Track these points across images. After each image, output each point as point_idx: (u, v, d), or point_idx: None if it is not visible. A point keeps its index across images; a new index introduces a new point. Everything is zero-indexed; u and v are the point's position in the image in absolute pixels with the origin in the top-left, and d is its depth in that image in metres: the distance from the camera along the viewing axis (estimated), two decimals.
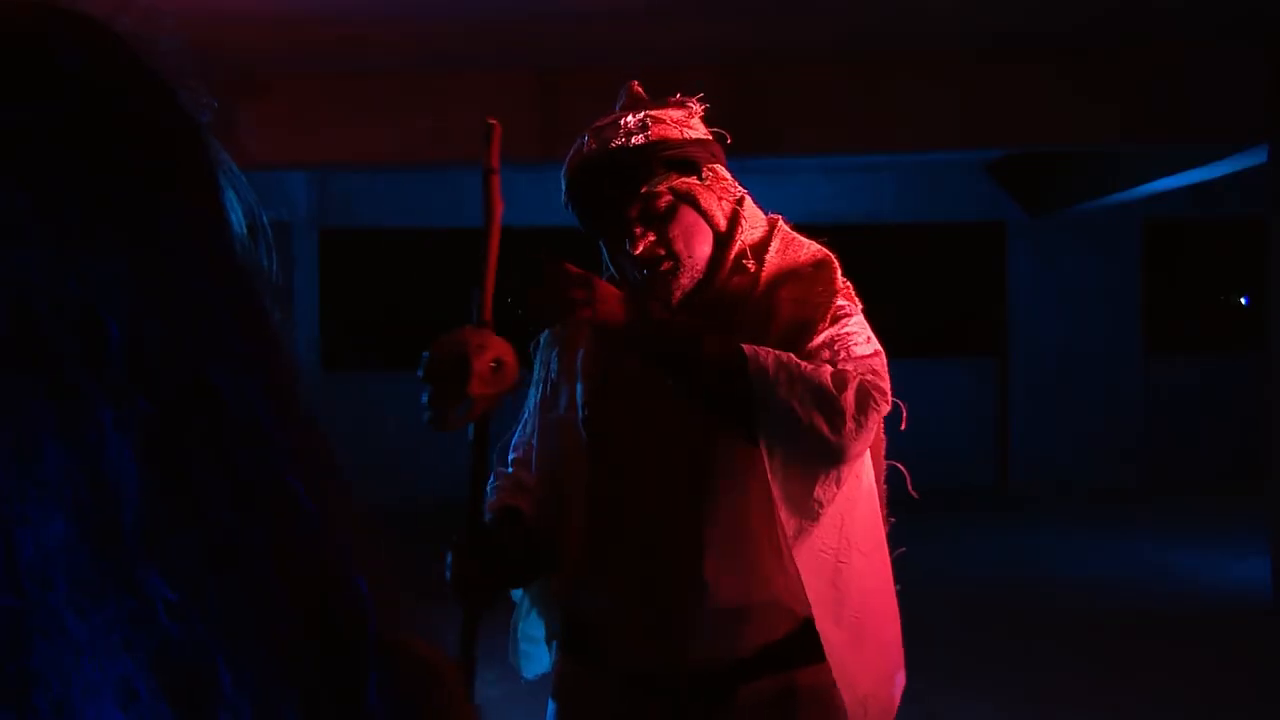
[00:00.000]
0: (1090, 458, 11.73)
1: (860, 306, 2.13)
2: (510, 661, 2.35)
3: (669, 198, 2.09)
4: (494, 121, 2.15)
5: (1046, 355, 11.87)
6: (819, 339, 2.04)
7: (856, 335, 2.06)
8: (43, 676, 0.46)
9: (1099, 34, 6.93)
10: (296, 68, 7.15)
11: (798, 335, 2.05)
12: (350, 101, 7.48)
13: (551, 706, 2.26)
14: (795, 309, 2.09)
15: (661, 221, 2.09)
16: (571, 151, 2.16)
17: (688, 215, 2.10)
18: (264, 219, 0.61)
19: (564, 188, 2.16)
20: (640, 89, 2.24)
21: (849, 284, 2.15)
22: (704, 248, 2.12)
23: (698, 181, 2.12)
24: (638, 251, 2.08)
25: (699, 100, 2.21)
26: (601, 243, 2.20)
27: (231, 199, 0.58)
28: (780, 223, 2.21)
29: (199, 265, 0.54)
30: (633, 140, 2.09)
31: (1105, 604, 7.39)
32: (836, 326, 2.06)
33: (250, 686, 0.49)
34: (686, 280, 2.12)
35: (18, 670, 0.46)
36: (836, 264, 2.16)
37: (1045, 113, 7.42)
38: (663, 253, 2.09)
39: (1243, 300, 12.78)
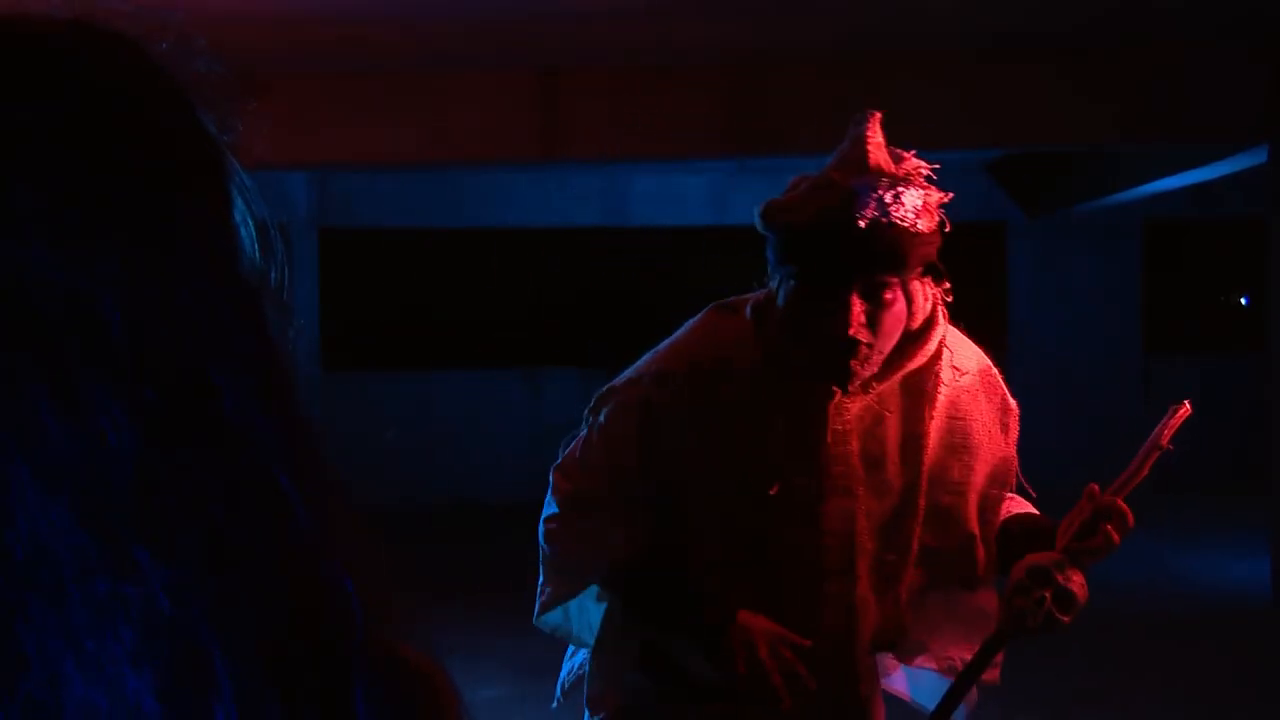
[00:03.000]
0: (1090, 458, 11.72)
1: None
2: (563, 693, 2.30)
3: (898, 290, 1.99)
4: (1188, 405, 2.08)
5: (1046, 355, 11.87)
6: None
7: None
8: (33, 655, 0.47)
9: (1099, 34, 6.93)
10: (297, 68, 7.15)
11: (1005, 473, 2.19)
12: (350, 102, 7.48)
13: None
14: (993, 447, 2.16)
15: (877, 307, 1.97)
16: (828, 190, 1.97)
17: (899, 307, 2.00)
18: (278, 236, 0.62)
19: (796, 220, 1.98)
20: (881, 127, 2.05)
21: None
22: (894, 341, 2.03)
23: (927, 283, 2.05)
24: (850, 331, 1.95)
25: (926, 176, 2.05)
26: (789, 283, 2.03)
27: (243, 210, 0.59)
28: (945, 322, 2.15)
29: (201, 267, 0.55)
30: (905, 224, 1.93)
31: (1106, 604, 7.36)
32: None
33: (237, 681, 0.49)
34: (868, 371, 2.02)
35: (6, 646, 0.46)
36: (997, 372, 2.19)
37: (1045, 113, 7.43)
38: (866, 337, 1.98)
39: (1243, 300, 12.78)
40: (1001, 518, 2.15)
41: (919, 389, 2.10)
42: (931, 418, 2.09)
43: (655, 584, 2.10)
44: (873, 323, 1.97)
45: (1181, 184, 9.36)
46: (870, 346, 1.98)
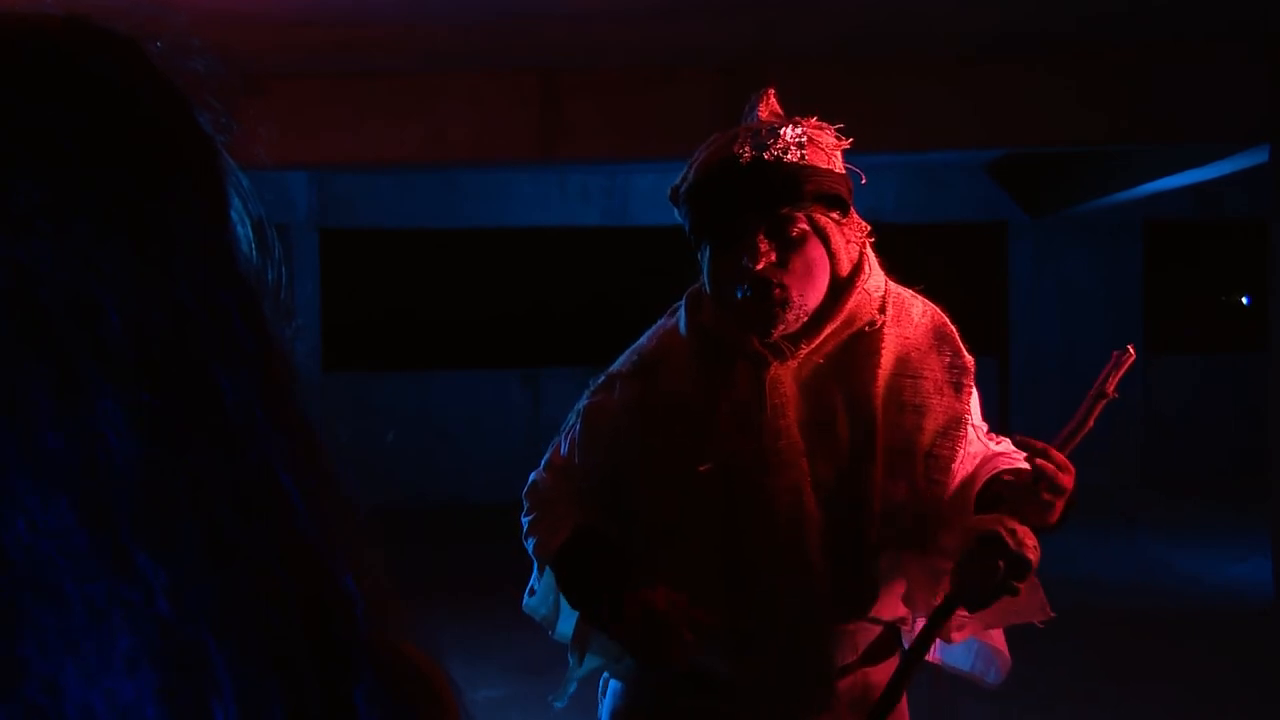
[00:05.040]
0: (1090, 458, 11.71)
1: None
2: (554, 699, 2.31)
3: (805, 226, 1.99)
4: (1131, 349, 1.97)
5: (1046, 355, 11.87)
6: (983, 436, 2.16)
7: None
8: (32, 658, 0.46)
9: (1099, 34, 6.93)
10: (296, 68, 7.16)
11: (955, 432, 2.09)
12: (350, 102, 7.48)
13: (617, 702, 2.22)
14: (943, 404, 2.08)
15: (787, 247, 1.98)
16: (711, 146, 2.05)
17: (815, 250, 2.00)
18: (273, 234, 0.62)
19: (689, 181, 2.05)
20: (776, 100, 2.14)
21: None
22: (818, 290, 2.02)
23: (836, 219, 2.02)
24: (758, 267, 1.96)
25: (838, 132, 2.09)
26: (705, 251, 2.06)
27: (240, 209, 0.60)
28: (888, 280, 2.14)
29: (201, 266, 0.55)
30: (788, 156, 1.97)
31: (1105, 604, 7.39)
32: (975, 412, 2.15)
33: (239, 681, 0.49)
34: (791, 318, 2.01)
35: (4, 650, 0.46)
36: (953, 328, 2.15)
37: (1045, 113, 7.43)
38: (778, 279, 1.98)
39: (1244, 300, 12.79)
40: (997, 470, 2.09)
41: (864, 349, 2.07)
42: (879, 377, 2.05)
43: (579, 565, 2.12)
44: (784, 262, 1.98)
45: (1182, 183, 9.36)
46: (787, 289, 1.99)
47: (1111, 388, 2.01)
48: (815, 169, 1.98)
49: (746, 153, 1.98)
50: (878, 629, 2.15)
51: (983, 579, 1.93)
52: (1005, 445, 2.20)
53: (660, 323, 2.24)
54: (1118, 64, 7.28)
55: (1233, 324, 12.59)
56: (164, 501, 0.50)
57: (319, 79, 7.38)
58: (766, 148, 1.98)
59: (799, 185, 1.97)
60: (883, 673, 2.17)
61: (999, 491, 2.00)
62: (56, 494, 0.48)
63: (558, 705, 2.26)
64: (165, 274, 0.53)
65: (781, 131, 1.99)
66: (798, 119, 2.06)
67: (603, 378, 2.20)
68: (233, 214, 0.59)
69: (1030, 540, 1.94)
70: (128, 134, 0.54)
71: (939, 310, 2.17)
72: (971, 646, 2.25)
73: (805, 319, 2.03)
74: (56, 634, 0.47)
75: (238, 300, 0.56)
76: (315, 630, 0.53)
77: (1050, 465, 1.95)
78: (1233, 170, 8.49)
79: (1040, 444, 1.98)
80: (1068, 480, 1.97)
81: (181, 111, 0.58)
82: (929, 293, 2.22)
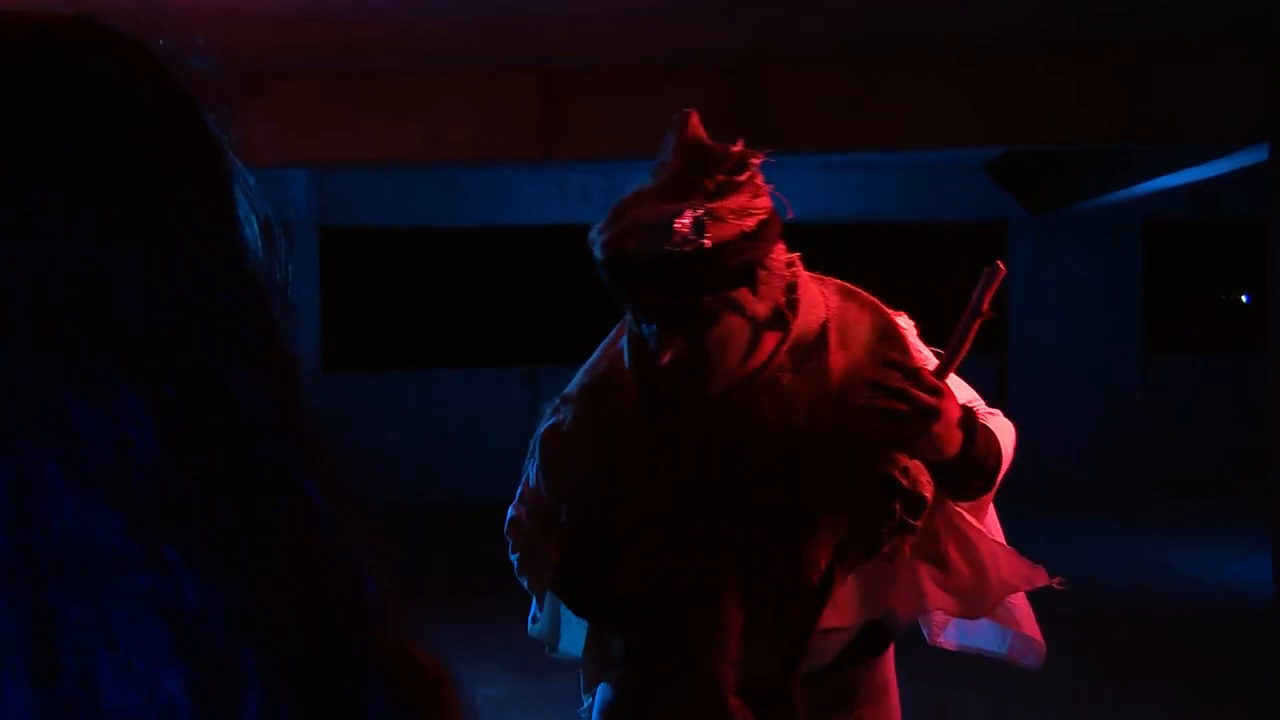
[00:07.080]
0: (1090, 458, 11.73)
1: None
2: (541, 634, 2.34)
3: (713, 306, 1.88)
4: (1001, 264, 1.90)
5: (1046, 355, 11.87)
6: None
7: None
8: (68, 653, 0.47)
9: (1099, 34, 6.93)
10: (297, 68, 7.16)
11: None
12: (350, 102, 7.48)
13: (608, 700, 2.23)
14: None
15: (699, 327, 1.90)
16: (610, 232, 1.89)
17: (729, 321, 1.91)
18: (280, 234, 0.62)
19: (598, 256, 1.93)
20: (699, 124, 1.93)
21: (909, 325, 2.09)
22: (739, 349, 1.94)
23: (749, 290, 1.90)
24: (664, 360, 1.90)
25: (756, 159, 1.91)
26: (630, 316, 2.02)
27: (246, 210, 0.60)
28: (823, 288, 2.04)
29: (204, 267, 0.55)
30: (686, 247, 1.82)
31: (1105, 603, 7.39)
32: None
33: (262, 676, 0.50)
34: (718, 379, 1.95)
35: (41, 645, 0.47)
36: (902, 328, 2.06)
37: (1045, 112, 7.43)
38: (687, 356, 1.91)
39: (1244, 299, 12.79)
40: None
41: (812, 366, 1.99)
42: (830, 388, 1.98)
43: (577, 578, 2.13)
44: (698, 339, 1.90)
45: (1182, 183, 9.36)
46: (704, 363, 1.93)
47: (986, 305, 1.90)
48: (719, 251, 1.83)
49: (637, 249, 1.84)
50: (849, 633, 2.11)
51: (880, 521, 1.90)
52: (998, 418, 2.11)
53: (609, 337, 2.20)
54: (1118, 64, 7.28)
55: (1233, 324, 12.59)
56: (186, 500, 0.50)
57: (319, 79, 7.37)
58: (658, 243, 1.82)
59: (699, 278, 1.84)
60: (870, 671, 2.15)
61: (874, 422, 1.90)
62: (92, 492, 0.48)
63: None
64: (166, 274, 0.53)
65: (675, 225, 1.82)
66: (701, 189, 1.86)
67: (558, 400, 2.17)
68: (240, 214, 0.59)
69: (924, 476, 1.90)
70: (128, 134, 0.55)
71: (879, 305, 2.08)
72: (1006, 633, 2.22)
73: (735, 370, 1.96)
74: (93, 630, 0.48)
75: (242, 300, 0.56)
76: (327, 632, 0.53)
77: (912, 385, 1.85)
78: (1232, 169, 8.50)
79: (909, 367, 1.89)
80: (943, 404, 1.85)
81: (184, 111, 0.58)
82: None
